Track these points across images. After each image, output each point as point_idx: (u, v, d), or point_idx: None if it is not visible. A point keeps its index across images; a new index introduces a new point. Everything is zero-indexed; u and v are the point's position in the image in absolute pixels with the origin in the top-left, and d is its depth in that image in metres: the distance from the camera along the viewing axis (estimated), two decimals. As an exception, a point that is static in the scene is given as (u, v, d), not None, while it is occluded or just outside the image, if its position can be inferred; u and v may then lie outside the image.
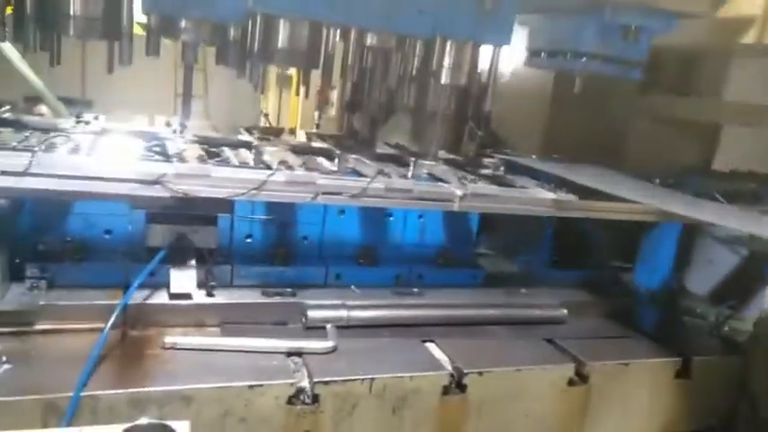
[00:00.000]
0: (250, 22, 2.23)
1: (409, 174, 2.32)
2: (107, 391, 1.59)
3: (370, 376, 1.81)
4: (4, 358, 1.60)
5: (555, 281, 2.65)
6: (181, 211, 2.06)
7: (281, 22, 2.22)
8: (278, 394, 1.73)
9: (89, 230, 2.08)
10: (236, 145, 2.45)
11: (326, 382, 1.77)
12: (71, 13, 1.97)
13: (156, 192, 1.83)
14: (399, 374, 1.86)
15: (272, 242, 2.29)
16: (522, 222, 2.75)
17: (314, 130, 4.69)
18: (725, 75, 3.50)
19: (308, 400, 1.76)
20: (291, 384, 1.74)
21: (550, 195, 2.29)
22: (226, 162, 2.14)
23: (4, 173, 1.67)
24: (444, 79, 2.49)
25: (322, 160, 2.40)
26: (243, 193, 1.89)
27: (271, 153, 2.24)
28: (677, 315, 2.65)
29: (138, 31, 2.12)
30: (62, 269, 1.98)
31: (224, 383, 1.69)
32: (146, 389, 1.63)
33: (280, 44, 2.24)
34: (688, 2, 2.43)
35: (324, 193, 2.00)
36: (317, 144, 2.80)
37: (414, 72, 2.50)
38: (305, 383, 1.77)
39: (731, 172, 3.26)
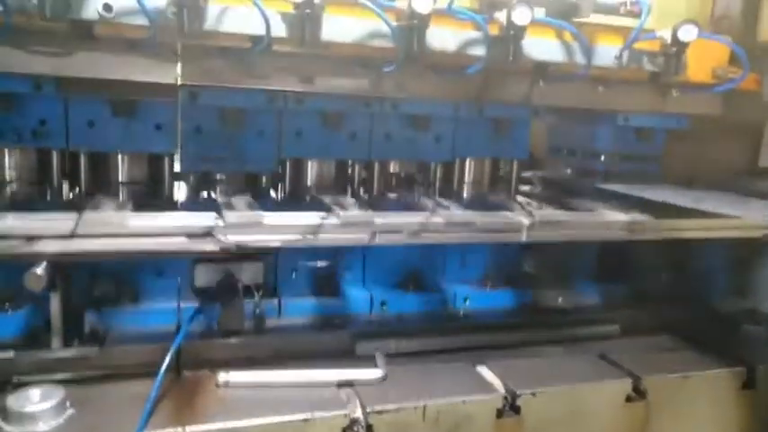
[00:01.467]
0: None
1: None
2: (166, 430, 1.62)
3: (422, 403, 1.80)
4: (68, 404, 1.65)
5: (604, 296, 2.60)
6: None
7: (309, 163, 2.38)
8: (332, 426, 1.73)
9: (141, 274, 2.15)
10: None
11: (379, 412, 1.76)
12: (119, 180, 2.20)
13: (206, 245, 1.82)
14: (452, 399, 1.83)
15: (317, 274, 2.32)
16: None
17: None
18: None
19: (362, 431, 1.76)
20: (345, 416, 1.74)
21: (623, 217, 2.19)
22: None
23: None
24: (466, 195, 2.60)
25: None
26: (298, 240, 1.87)
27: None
28: (736, 324, 2.55)
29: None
30: (117, 313, 2.04)
31: (279, 418, 1.70)
32: (202, 426, 1.65)
33: (309, 182, 2.39)
34: (699, 105, 2.43)
35: (381, 232, 1.95)
36: None
37: (437, 194, 2.59)
38: (358, 414, 1.77)
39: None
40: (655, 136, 2.70)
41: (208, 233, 1.82)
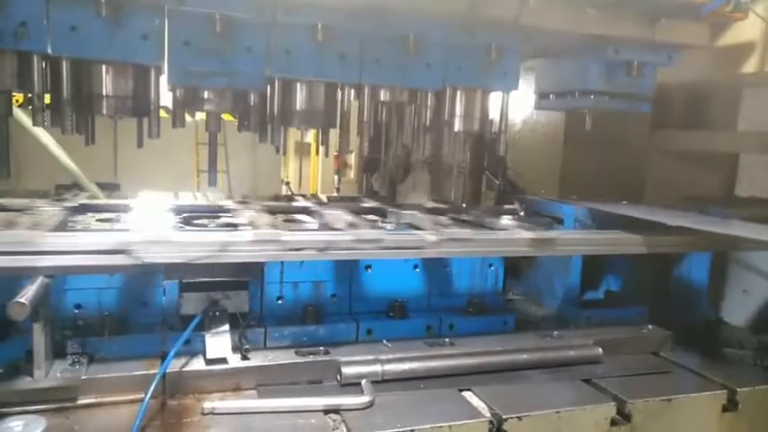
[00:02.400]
0: (268, 87, 2.36)
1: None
2: (151, 461, 1.61)
3: (409, 428, 1.80)
4: (50, 434, 1.64)
5: (587, 320, 2.63)
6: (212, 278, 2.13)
7: (298, 85, 2.35)
8: (319, 453, 1.73)
9: (125, 303, 2.14)
10: (296, 210, 2.63)
11: (366, 438, 1.77)
12: (104, 93, 2.11)
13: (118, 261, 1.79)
14: (438, 425, 1.84)
15: (302, 302, 2.33)
16: (549, 264, 2.77)
17: (334, 194, 4.82)
18: (736, 105, 3.56)
19: (349, 457, 1.75)
20: (331, 442, 1.74)
21: (528, 234, 2.26)
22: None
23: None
24: (457, 127, 2.57)
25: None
26: (205, 257, 1.87)
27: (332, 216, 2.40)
28: (717, 347, 2.59)
29: (161, 115, 2.26)
30: (101, 343, 2.03)
31: (265, 446, 1.69)
32: (188, 456, 1.65)
33: (298, 106, 2.36)
34: (687, 34, 2.49)
35: (290, 249, 1.97)
36: (367, 204, 2.91)
37: (427, 124, 2.59)
38: (345, 440, 1.77)
39: (751, 198, 3.25)
40: (645, 72, 2.66)
41: (120, 251, 1.80)
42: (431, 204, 2.95)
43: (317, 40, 2.22)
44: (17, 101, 2.37)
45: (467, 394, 2.07)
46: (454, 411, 1.94)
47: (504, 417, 1.91)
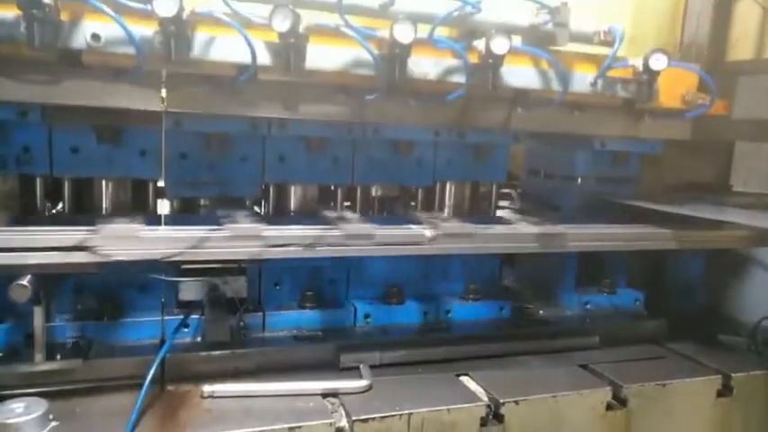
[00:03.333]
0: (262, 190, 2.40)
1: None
2: (151, 442, 1.62)
3: (407, 412, 1.81)
4: (51, 416, 1.64)
5: (583, 307, 2.65)
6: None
7: (292, 188, 2.40)
8: (318, 435, 1.74)
9: (124, 287, 2.15)
10: None
11: (365, 420, 1.78)
12: (104, 205, 2.19)
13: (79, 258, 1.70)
14: (436, 408, 1.85)
15: (300, 287, 2.34)
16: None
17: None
18: (732, 93, 3.56)
19: (347, 440, 1.77)
20: (330, 424, 1.75)
21: (534, 230, 2.19)
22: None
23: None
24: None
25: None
26: (176, 254, 1.78)
27: None
28: (711, 334, 2.61)
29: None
30: (100, 327, 2.04)
31: (265, 428, 1.70)
32: (189, 438, 1.66)
33: (292, 207, 2.41)
34: (670, 130, 2.50)
35: (272, 246, 1.86)
36: None
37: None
38: (344, 423, 1.78)
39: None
40: (630, 159, 2.78)
41: (81, 247, 1.69)
42: None
43: (310, 148, 2.29)
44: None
45: (464, 379, 2.09)
46: (452, 395, 1.96)
47: (501, 401, 1.92)
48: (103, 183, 2.18)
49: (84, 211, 2.20)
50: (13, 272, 1.67)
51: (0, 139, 1.98)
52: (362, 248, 1.98)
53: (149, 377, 1.75)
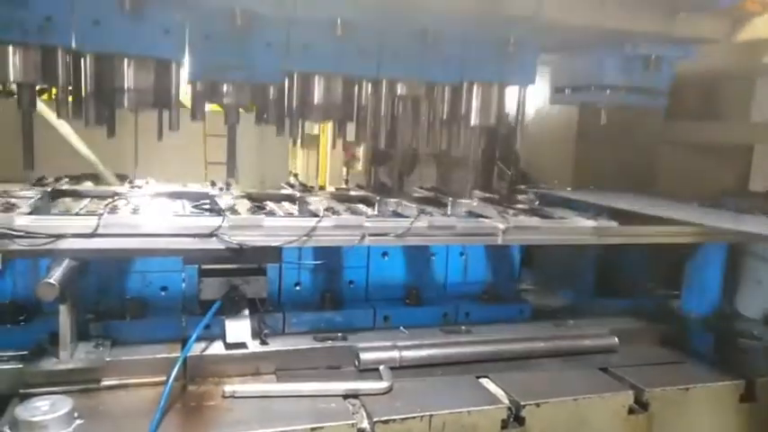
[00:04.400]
0: (287, 81, 2.35)
1: (448, 212, 2.39)
2: (175, 441, 1.63)
3: (428, 413, 1.82)
4: (76, 414, 1.66)
5: (601, 310, 2.63)
6: (231, 263, 2.14)
7: (316, 78, 2.34)
8: (339, 436, 1.74)
9: (146, 288, 2.17)
10: (280, 198, 2.56)
11: (386, 422, 1.78)
12: (125, 86, 2.11)
13: (211, 244, 1.91)
14: (457, 410, 1.85)
15: (319, 288, 2.34)
16: (564, 254, 2.77)
17: (343, 186, 4.79)
18: (750, 96, 3.53)
19: (369, 441, 1.77)
20: (352, 425, 1.76)
21: (590, 223, 2.33)
22: (272, 213, 2.23)
23: (77, 235, 1.79)
24: (474, 121, 2.57)
25: (362, 207, 2.48)
26: (294, 240, 1.97)
27: (315, 202, 2.33)
28: (732, 338, 2.59)
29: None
30: (123, 326, 2.06)
31: (287, 428, 1.71)
32: (211, 436, 1.67)
33: (316, 100, 2.36)
34: (705, 29, 2.46)
35: (370, 235, 2.07)
36: (355, 192, 2.90)
37: (444, 117, 2.58)
38: (365, 424, 1.78)
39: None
40: (662, 66, 2.63)
41: (213, 234, 1.90)
42: (418, 194, 2.95)
43: (336, 34, 2.22)
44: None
45: (484, 381, 2.09)
46: (472, 397, 1.96)
47: (522, 403, 1.92)
48: (125, 62, 2.10)
49: (106, 97, 2.13)
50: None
51: (22, 6, 1.88)
52: (445, 238, 2.20)
53: (172, 377, 1.77)
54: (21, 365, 1.81)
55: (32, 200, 2.11)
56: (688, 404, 2.10)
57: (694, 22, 2.39)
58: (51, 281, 1.62)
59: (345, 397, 1.90)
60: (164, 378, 1.85)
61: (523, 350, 2.28)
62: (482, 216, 2.36)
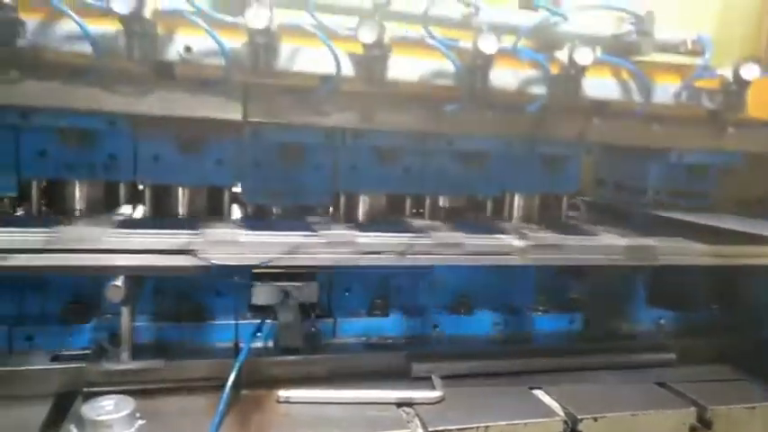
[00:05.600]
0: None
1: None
2: (235, 444, 1.65)
3: (483, 424, 1.79)
4: (138, 414, 1.69)
5: (656, 323, 2.57)
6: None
7: (362, 197, 2.40)
8: (395, 444, 1.74)
9: (201, 291, 2.20)
10: None
11: (441, 432, 1.77)
12: (180, 212, 2.24)
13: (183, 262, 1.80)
14: (513, 422, 1.82)
15: (369, 294, 2.34)
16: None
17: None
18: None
19: (424, 450, 1.76)
20: (407, 435, 1.75)
21: (623, 242, 2.17)
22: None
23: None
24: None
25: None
26: (275, 259, 1.86)
27: None
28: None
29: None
30: (178, 329, 2.09)
31: (344, 435, 1.71)
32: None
33: (360, 217, 2.40)
34: (756, 142, 2.37)
35: (365, 253, 1.93)
36: None
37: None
38: (420, 433, 1.77)
39: None
40: (707, 172, 2.64)
41: (185, 251, 1.80)
42: None
43: (382, 158, 2.30)
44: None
45: (538, 393, 2.05)
46: (527, 409, 1.92)
47: (578, 417, 1.88)
48: (180, 190, 2.24)
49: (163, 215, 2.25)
50: (103, 273, 1.75)
51: (89, 147, 2.07)
52: (452, 257, 2.00)
53: (231, 381, 1.79)
54: (83, 364, 1.86)
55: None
56: (754, 424, 2.02)
57: (744, 136, 2.31)
58: (118, 283, 1.66)
59: (399, 405, 1.89)
60: (217, 381, 1.88)
61: (577, 362, 2.24)
62: (496, 232, 2.19)
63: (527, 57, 1.87)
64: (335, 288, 2.32)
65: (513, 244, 2.04)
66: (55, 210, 2.16)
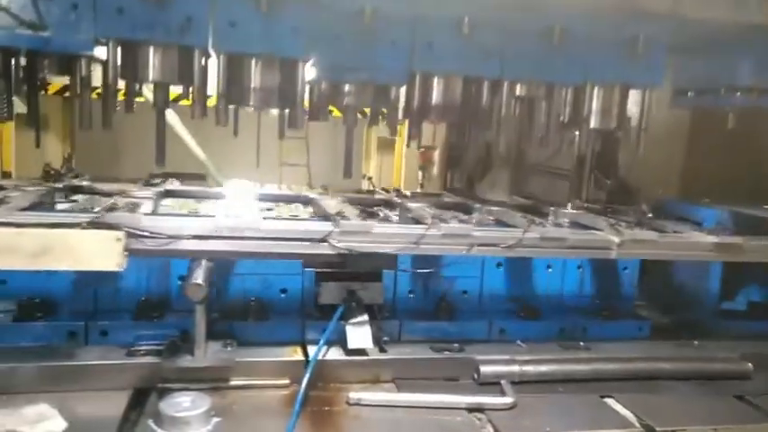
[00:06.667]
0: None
1: (549, 222, 2.37)
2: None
3: (558, 433, 1.76)
4: (213, 412, 1.70)
5: (727, 332, 2.48)
6: (347, 268, 2.13)
7: (436, 79, 2.31)
8: (469, 451, 1.71)
9: (267, 290, 2.21)
10: (378, 203, 2.63)
11: (516, 439, 1.73)
12: (252, 86, 2.16)
13: (322, 249, 1.93)
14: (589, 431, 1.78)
15: (433, 297, 2.32)
16: (682, 269, 2.63)
17: (418, 190, 4.75)
18: None
19: (498, 458, 1.73)
20: (481, 441, 1.72)
21: (711, 239, 2.21)
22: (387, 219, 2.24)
23: (197, 237, 1.84)
24: (593, 124, 2.47)
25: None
26: (403, 248, 1.97)
27: (416, 209, 2.36)
28: None
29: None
30: (246, 327, 2.10)
31: (418, 439, 1.69)
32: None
33: (434, 101, 2.33)
34: None
35: (479, 245, 2.03)
36: (450, 199, 2.87)
37: (566, 120, 2.51)
38: (494, 440, 1.74)
39: None
40: None
41: (322, 240, 1.92)
42: (515, 201, 2.89)
43: (462, 33, 2.18)
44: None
45: (609, 401, 2.00)
46: (601, 418, 1.88)
47: (657, 429, 1.82)
48: (253, 62, 2.14)
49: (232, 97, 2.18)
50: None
51: (164, 6, 1.95)
52: (557, 251, 2.11)
53: (305, 382, 1.78)
54: (157, 360, 1.88)
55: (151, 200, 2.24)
56: (842, 441, 1.94)
57: None
58: (200, 281, 1.67)
59: (470, 410, 1.86)
60: (286, 380, 1.92)
61: (649, 370, 2.17)
62: (593, 228, 2.27)
63: None
64: (399, 289, 2.30)
65: (611, 239, 2.13)
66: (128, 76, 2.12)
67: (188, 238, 1.83)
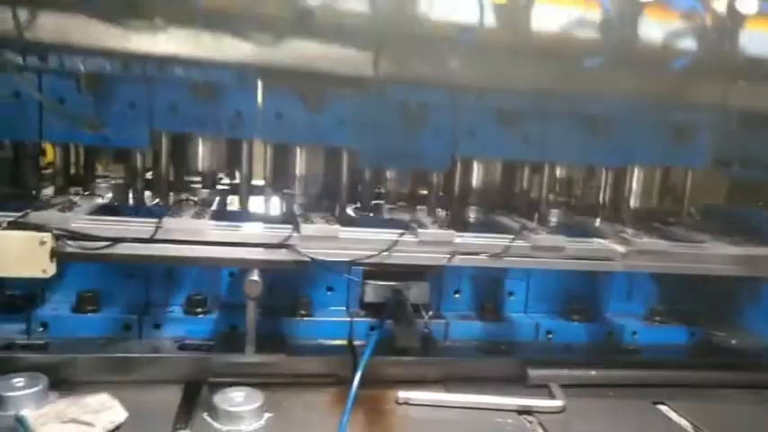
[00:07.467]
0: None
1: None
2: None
3: (614, 439, 1.72)
4: (265, 408, 1.71)
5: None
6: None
7: (475, 163, 2.34)
8: (523, 453, 1.69)
9: (314, 287, 2.21)
10: None
11: (570, 443, 1.71)
12: (297, 173, 2.24)
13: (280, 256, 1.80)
14: (646, 439, 1.75)
15: (478, 297, 2.30)
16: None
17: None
18: None
19: (550, 461, 1.70)
20: (536, 444, 1.70)
21: (733, 250, 2.04)
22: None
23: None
24: (633, 204, 2.44)
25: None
26: (372, 256, 1.84)
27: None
28: None
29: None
30: (293, 324, 2.12)
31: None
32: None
33: (475, 184, 2.35)
34: None
35: (460, 254, 1.89)
36: None
37: (606, 201, 2.51)
38: (547, 443, 1.72)
39: None
40: None
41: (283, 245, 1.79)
42: None
43: (502, 121, 2.20)
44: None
45: (663, 408, 1.95)
46: (654, 426, 1.84)
47: (715, 438, 1.77)
48: (297, 150, 2.20)
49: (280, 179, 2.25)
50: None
51: (216, 103, 2.02)
52: (549, 261, 1.94)
53: (357, 380, 1.78)
54: (208, 355, 1.91)
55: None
56: None
57: None
58: (256, 278, 1.68)
59: (520, 413, 1.84)
60: (335, 377, 1.92)
61: (701, 377, 2.11)
62: (596, 236, 2.10)
63: (681, 5, 1.68)
64: (445, 289, 2.29)
65: (615, 249, 1.98)
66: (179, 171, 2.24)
67: (130, 241, 1.69)
